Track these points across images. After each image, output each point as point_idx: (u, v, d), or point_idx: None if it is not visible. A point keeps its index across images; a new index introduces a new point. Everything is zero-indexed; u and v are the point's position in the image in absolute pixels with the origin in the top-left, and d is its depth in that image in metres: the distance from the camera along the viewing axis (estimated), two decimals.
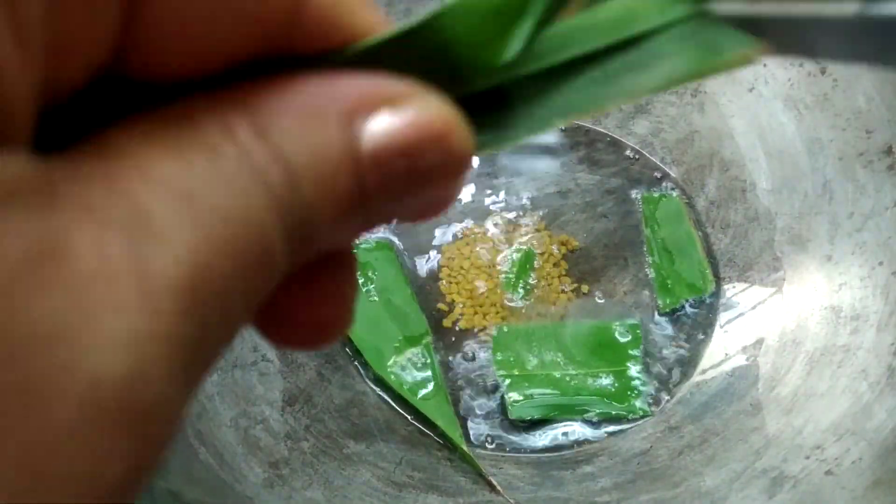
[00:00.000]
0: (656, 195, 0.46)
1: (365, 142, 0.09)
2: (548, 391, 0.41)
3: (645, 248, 0.45)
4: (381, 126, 0.09)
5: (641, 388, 0.41)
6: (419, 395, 0.40)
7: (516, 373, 0.41)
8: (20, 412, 0.07)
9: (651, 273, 0.44)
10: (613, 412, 0.40)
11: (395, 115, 0.09)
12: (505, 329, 0.42)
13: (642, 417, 0.40)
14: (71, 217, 0.08)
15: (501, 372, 0.41)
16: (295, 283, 0.11)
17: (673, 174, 0.46)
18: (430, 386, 0.40)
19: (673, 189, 0.46)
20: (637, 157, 0.47)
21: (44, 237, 0.08)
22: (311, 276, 0.11)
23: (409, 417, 0.40)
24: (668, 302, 0.43)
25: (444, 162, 0.10)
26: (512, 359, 0.41)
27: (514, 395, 0.40)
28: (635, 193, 0.46)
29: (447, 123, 0.10)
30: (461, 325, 0.42)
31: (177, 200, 0.08)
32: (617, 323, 0.42)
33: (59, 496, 0.07)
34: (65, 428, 0.07)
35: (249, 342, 0.40)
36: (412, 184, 0.10)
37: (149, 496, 0.29)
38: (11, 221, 0.07)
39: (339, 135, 0.09)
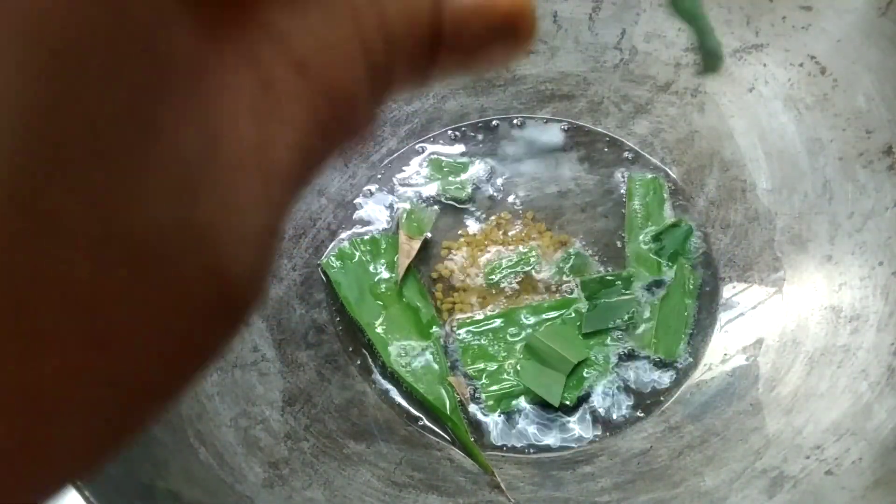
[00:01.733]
0: (641, 176, 0.46)
1: (450, 7, 0.10)
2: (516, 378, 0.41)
3: (625, 231, 0.45)
4: None
5: (597, 362, 0.41)
6: (428, 389, 0.40)
7: (484, 366, 0.41)
8: (164, 304, 0.07)
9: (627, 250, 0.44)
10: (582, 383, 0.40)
11: None
12: (464, 322, 0.42)
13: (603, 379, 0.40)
14: (219, 101, 0.08)
15: (471, 368, 0.41)
16: None
17: (673, 174, 0.46)
18: (438, 378, 0.41)
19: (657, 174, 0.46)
20: (635, 157, 0.47)
21: (206, 129, 0.07)
22: None
23: (412, 411, 0.40)
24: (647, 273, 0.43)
25: (507, 37, 0.11)
26: (477, 351, 0.41)
27: (488, 389, 0.40)
28: (621, 174, 0.46)
29: (521, 6, 0.11)
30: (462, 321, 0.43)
31: (294, 71, 0.08)
32: (575, 304, 0.42)
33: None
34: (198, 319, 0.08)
35: (249, 342, 0.40)
36: (474, 46, 0.11)
37: (149, 496, 0.29)
38: (187, 110, 0.07)
39: (431, 2, 0.10)
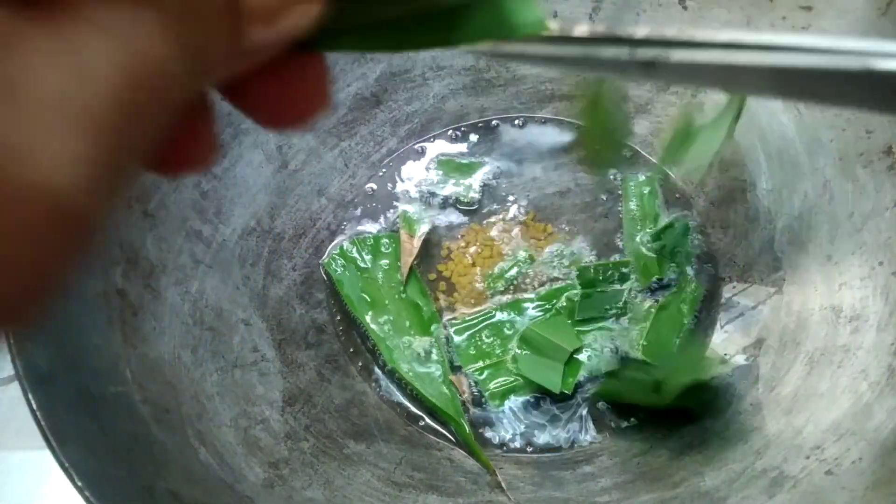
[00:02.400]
0: (634, 178, 0.46)
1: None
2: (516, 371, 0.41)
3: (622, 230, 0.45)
4: None
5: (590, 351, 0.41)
6: (429, 388, 0.40)
7: (482, 363, 0.41)
8: None
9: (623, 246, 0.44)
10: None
11: None
12: (456, 324, 0.42)
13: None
14: (28, 59, 0.10)
15: (471, 367, 0.41)
16: (267, 76, 0.14)
17: (673, 174, 0.46)
18: (440, 377, 0.41)
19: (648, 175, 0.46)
20: (635, 156, 0.47)
21: (6, 72, 0.09)
22: (280, 70, 0.14)
23: (413, 411, 0.40)
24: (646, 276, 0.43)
25: (296, 22, 0.13)
26: (474, 351, 0.41)
27: (488, 386, 0.40)
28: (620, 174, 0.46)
29: None
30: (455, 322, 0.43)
31: (106, 41, 0.10)
32: (566, 293, 0.42)
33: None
34: (12, 225, 0.09)
35: (249, 342, 0.40)
36: (272, 12, 0.12)
37: (149, 496, 0.29)
38: None
39: None
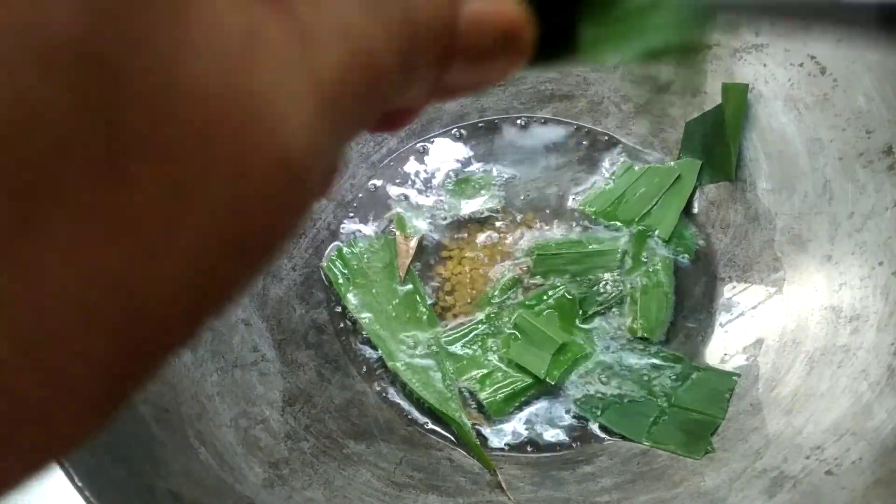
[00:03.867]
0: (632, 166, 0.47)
1: (465, 11, 0.12)
2: (515, 377, 0.41)
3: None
4: (479, 5, 0.12)
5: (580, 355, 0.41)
6: (428, 390, 0.40)
7: (476, 373, 0.41)
8: (227, 170, 0.09)
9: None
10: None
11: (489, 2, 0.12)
12: (444, 335, 0.42)
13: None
14: (266, 14, 0.09)
15: (464, 378, 0.41)
16: None
17: None
18: (439, 380, 0.41)
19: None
20: (635, 156, 0.47)
21: (249, 23, 0.09)
22: None
23: (413, 413, 0.40)
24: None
25: (508, 49, 0.13)
26: (465, 361, 0.41)
27: (486, 395, 0.40)
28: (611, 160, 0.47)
29: (521, 21, 0.13)
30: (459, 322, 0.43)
31: (335, 26, 0.10)
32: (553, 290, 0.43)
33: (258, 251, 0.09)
34: (259, 181, 0.09)
35: (249, 342, 0.40)
36: (482, 54, 0.13)
37: (149, 496, 0.29)
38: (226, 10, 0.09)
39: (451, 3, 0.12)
